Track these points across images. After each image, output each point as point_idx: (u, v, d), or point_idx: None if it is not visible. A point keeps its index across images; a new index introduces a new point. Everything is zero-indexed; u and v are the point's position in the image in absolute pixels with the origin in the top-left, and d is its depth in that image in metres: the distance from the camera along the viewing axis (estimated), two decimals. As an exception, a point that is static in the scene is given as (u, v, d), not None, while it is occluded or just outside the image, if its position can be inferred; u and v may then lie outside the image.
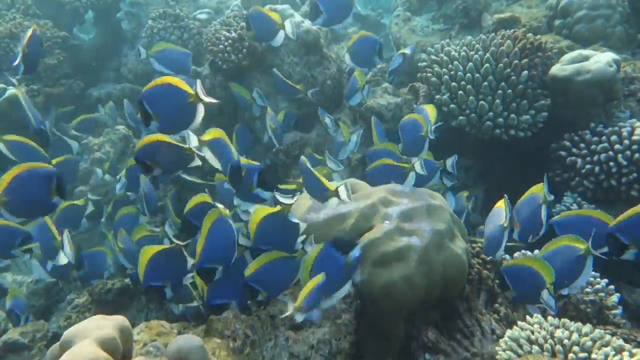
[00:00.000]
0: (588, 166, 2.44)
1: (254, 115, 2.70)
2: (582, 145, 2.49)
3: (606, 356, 1.41)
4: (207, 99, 1.66)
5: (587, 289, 1.96)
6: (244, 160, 1.83)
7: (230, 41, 2.64)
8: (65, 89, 3.77)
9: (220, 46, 2.65)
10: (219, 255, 1.67)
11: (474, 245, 2.01)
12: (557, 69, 2.57)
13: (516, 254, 2.09)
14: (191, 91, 1.64)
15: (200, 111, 1.68)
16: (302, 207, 1.94)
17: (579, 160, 2.48)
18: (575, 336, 1.48)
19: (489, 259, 1.99)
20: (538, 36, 2.80)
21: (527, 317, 1.61)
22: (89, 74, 4.17)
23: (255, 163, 1.88)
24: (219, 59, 2.67)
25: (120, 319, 1.28)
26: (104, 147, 3.21)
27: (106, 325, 1.21)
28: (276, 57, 2.72)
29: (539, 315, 1.59)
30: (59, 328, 2.32)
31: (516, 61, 2.56)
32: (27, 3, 4.00)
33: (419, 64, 2.91)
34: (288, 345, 1.65)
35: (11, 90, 3.32)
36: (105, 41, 4.35)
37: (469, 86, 2.59)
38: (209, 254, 1.65)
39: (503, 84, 2.55)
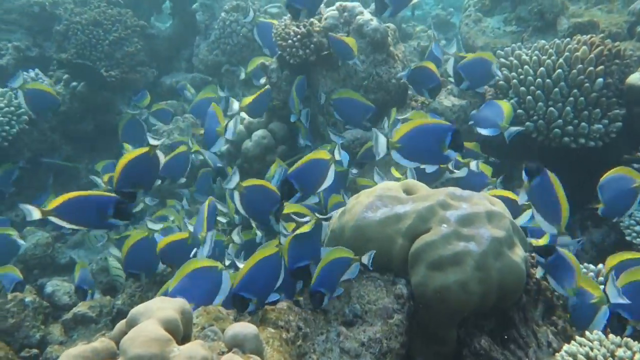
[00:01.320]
0: (663, 181, 2.33)
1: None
2: (657, 158, 2.38)
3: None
4: None
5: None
6: None
7: (299, 36, 2.68)
8: (140, 76, 3.95)
9: (289, 41, 2.70)
10: (257, 289, 1.73)
11: (533, 255, 1.97)
12: (635, 78, 2.46)
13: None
14: None
15: None
16: (360, 204, 1.95)
17: (653, 174, 2.37)
18: (638, 357, 1.43)
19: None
20: (617, 43, 2.68)
21: (587, 332, 1.57)
22: (163, 62, 4.34)
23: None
24: (287, 53, 2.72)
25: (181, 302, 1.35)
26: (173, 134, 3.34)
27: (169, 307, 1.27)
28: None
29: (600, 332, 1.55)
30: (124, 304, 2.45)
31: (591, 68, 2.47)
32: (111, -8, 4.21)
33: (488, 67, 2.86)
34: (339, 340, 1.68)
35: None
36: (180, 31, 4.52)
37: (538, 91, 2.52)
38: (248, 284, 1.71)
39: (575, 91, 2.47)
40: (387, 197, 1.94)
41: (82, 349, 1.19)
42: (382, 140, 2.00)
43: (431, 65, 2.58)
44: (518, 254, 1.80)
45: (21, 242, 2.54)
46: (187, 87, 3.68)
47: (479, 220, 1.82)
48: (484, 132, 2.43)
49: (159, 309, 1.27)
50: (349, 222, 1.91)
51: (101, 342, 1.24)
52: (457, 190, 1.97)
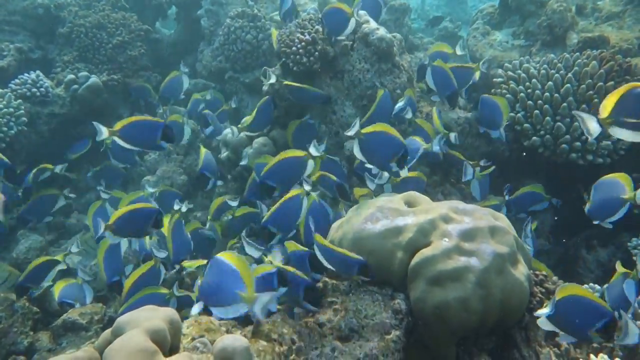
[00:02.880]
0: (671, 201, 2.27)
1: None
2: (666, 177, 2.32)
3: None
4: None
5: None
6: None
7: (303, 44, 2.64)
8: (143, 81, 3.92)
9: (293, 48, 2.66)
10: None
11: (537, 272, 1.90)
12: (645, 95, 2.40)
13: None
14: None
15: None
16: (360, 215, 1.90)
17: (662, 194, 2.31)
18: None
19: (553, 288, 1.88)
20: (628, 58, 2.64)
21: (592, 355, 1.51)
22: (167, 67, 4.31)
23: None
24: (291, 60, 2.68)
25: (170, 312, 1.30)
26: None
27: (156, 316, 1.22)
28: (347, 62, 2.70)
29: (605, 356, 1.48)
30: (116, 312, 2.39)
31: (600, 83, 2.42)
32: (116, -4, 4.19)
33: (495, 80, 2.81)
34: (334, 355, 1.62)
35: (93, 78, 3.48)
36: (185, 37, 4.50)
37: (546, 106, 2.47)
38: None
39: (584, 106, 2.42)
40: (387, 209, 1.88)
41: (63, 359, 1.14)
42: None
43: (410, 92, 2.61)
44: (521, 271, 1.74)
45: None
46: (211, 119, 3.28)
47: (482, 235, 1.76)
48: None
49: (146, 319, 1.22)
50: (348, 234, 1.86)
51: (84, 352, 1.19)
52: (460, 204, 1.91)
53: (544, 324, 1.56)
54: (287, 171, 2.25)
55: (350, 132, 2.05)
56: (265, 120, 2.80)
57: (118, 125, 2.24)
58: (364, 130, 2.06)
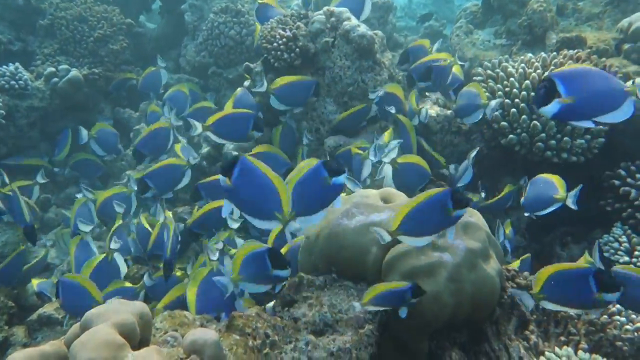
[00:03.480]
0: (643, 198, 2.32)
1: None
2: (638, 175, 2.37)
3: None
4: None
5: (627, 326, 1.86)
6: None
7: (284, 40, 2.65)
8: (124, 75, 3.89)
9: (274, 44, 2.67)
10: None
11: (509, 268, 1.94)
12: (619, 94, 2.44)
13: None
14: None
15: None
16: (336, 211, 1.92)
17: (633, 191, 2.36)
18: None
19: (524, 283, 1.91)
20: (603, 59, 2.68)
21: (556, 348, 1.54)
22: (150, 62, 4.29)
23: None
24: (272, 56, 2.69)
25: (139, 305, 1.30)
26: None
27: (125, 310, 1.22)
28: (328, 59, 2.71)
29: (569, 349, 1.52)
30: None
31: (576, 82, 2.45)
32: (99, -13, 4.15)
33: (474, 78, 2.84)
34: (308, 349, 1.63)
35: (73, 72, 3.46)
36: (168, 31, 4.48)
37: (523, 104, 2.50)
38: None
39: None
40: (363, 205, 1.90)
41: (29, 352, 1.14)
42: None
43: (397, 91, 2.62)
44: (493, 266, 1.77)
45: None
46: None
47: (455, 231, 1.79)
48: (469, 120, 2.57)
49: (115, 312, 1.22)
50: (324, 229, 1.88)
51: (51, 345, 1.19)
52: (435, 200, 1.93)
53: (548, 305, 1.60)
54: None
55: (386, 159, 2.29)
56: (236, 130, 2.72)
57: (210, 120, 2.43)
58: (399, 160, 2.33)
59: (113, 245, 2.22)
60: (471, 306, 1.69)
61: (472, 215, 1.90)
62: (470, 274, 1.70)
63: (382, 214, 1.85)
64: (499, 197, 2.53)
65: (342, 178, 1.59)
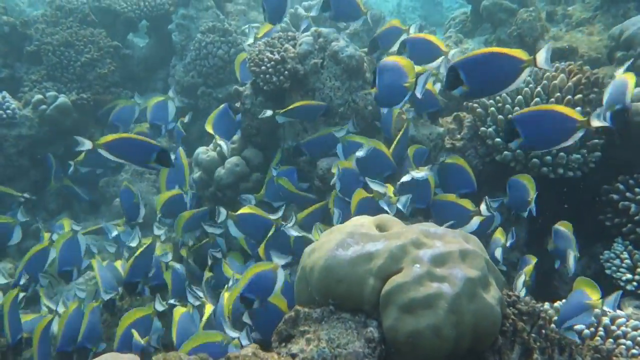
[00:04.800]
0: (643, 213, 2.29)
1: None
2: (637, 190, 2.34)
3: None
4: None
5: (634, 350, 1.82)
6: None
7: (272, 63, 2.61)
8: (113, 97, 3.85)
9: (263, 67, 2.63)
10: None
11: (509, 293, 1.90)
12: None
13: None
14: None
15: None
16: (331, 241, 1.88)
17: (633, 206, 2.32)
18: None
19: (525, 309, 1.87)
20: (595, 70, 2.65)
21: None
22: (139, 82, 4.26)
23: None
24: (261, 80, 2.65)
25: (132, 357, 1.26)
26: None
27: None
28: (317, 80, 2.68)
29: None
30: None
31: (569, 97, 2.43)
32: (84, 12, 4.11)
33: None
34: (307, 387, 1.59)
35: (61, 98, 3.42)
36: (156, 51, 4.44)
37: (516, 120, 2.47)
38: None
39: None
40: (358, 234, 1.86)
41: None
42: None
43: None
44: (493, 294, 1.73)
45: None
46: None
47: (453, 259, 1.74)
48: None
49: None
50: (318, 261, 1.83)
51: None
52: (432, 227, 1.89)
53: None
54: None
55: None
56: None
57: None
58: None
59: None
60: (472, 337, 1.65)
61: (470, 241, 1.86)
62: (471, 304, 1.66)
63: (377, 243, 1.81)
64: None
65: None
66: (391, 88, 2.24)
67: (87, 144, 2.16)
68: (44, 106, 3.41)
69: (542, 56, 1.97)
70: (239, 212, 2.43)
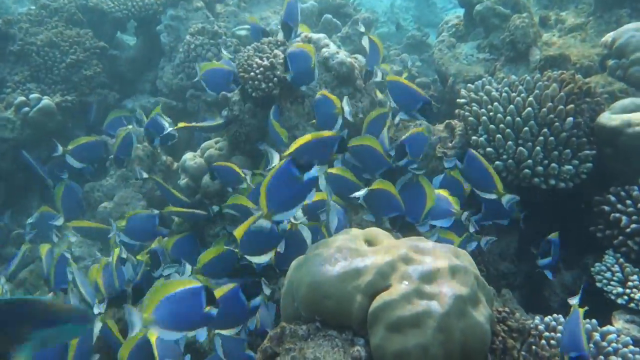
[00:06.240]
0: (634, 225, 2.25)
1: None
2: (628, 202, 2.31)
3: None
4: None
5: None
6: None
7: (261, 69, 2.56)
8: (100, 99, 3.78)
9: (252, 73, 2.58)
10: None
11: (499, 309, 1.86)
12: (605, 118, 2.39)
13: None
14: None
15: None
16: (319, 256, 1.84)
17: (624, 218, 2.29)
18: None
19: (515, 326, 1.84)
20: (587, 79, 2.62)
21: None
22: (126, 84, 4.18)
23: None
24: (250, 86, 2.60)
25: None
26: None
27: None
28: (307, 87, 2.63)
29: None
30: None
31: (561, 106, 2.40)
32: (70, 11, 4.03)
33: (458, 100, 2.77)
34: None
35: (45, 101, 3.34)
36: (144, 53, 4.37)
37: (508, 130, 2.44)
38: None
39: (545, 130, 2.39)
40: (347, 249, 1.82)
41: None
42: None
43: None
44: (482, 312, 1.69)
45: None
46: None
47: (442, 276, 1.70)
48: None
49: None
50: (305, 277, 1.79)
51: None
52: (421, 242, 1.86)
53: None
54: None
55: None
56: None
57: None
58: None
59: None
60: (461, 356, 1.61)
61: (460, 257, 1.83)
62: (460, 323, 1.62)
63: (365, 258, 1.76)
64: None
65: (314, 171, 1.77)
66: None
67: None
68: (26, 108, 3.32)
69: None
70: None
